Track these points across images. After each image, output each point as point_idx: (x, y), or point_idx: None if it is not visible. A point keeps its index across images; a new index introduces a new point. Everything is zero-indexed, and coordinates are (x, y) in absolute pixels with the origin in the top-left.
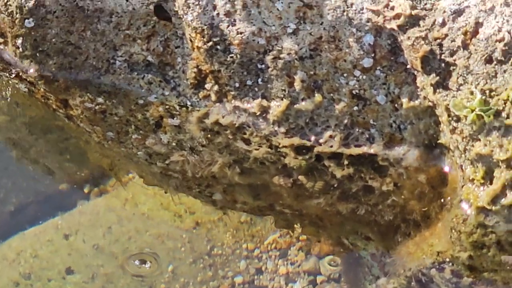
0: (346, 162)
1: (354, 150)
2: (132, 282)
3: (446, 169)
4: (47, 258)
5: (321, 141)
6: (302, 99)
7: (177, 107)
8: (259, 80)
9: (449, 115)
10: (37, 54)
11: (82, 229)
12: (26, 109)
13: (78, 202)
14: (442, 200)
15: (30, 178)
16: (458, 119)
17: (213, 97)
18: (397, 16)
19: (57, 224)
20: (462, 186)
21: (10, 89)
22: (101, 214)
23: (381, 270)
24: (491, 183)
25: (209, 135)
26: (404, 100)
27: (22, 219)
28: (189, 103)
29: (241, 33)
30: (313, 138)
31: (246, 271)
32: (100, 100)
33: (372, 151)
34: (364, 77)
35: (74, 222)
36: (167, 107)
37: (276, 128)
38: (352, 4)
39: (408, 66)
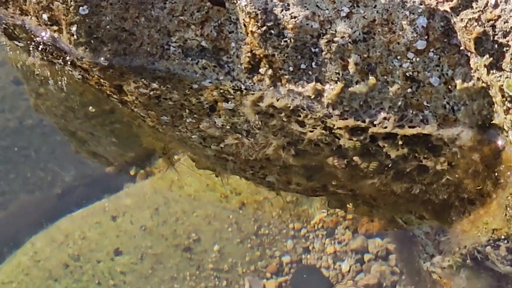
0: (400, 143)
1: (409, 131)
2: (181, 262)
3: (501, 147)
4: (95, 240)
5: (375, 122)
6: (356, 82)
7: (232, 91)
8: (313, 63)
9: (503, 96)
10: (92, 41)
11: (129, 211)
12: (73, 94)
13: (124, 185)
14: (497, 179)
15: (76, 161)
16: None
17: (267, 81)
18: None
19: (104, 206)
20: None
21: (61, 76)
22: (148, 196)
23: (435, 248)
24: None
25: (263, 118)
26: (458, 82)
27: (69, 202)
28: (243, 87)
29: (295, 17)
30: (367, 120)
31: (294, 251)
32: (154, 85)
33: (426, 131)
34: (418, 59)
35: (121, 204)
36: (221, 91)
37: (330, 111)
38: None
39: (461, 48)
